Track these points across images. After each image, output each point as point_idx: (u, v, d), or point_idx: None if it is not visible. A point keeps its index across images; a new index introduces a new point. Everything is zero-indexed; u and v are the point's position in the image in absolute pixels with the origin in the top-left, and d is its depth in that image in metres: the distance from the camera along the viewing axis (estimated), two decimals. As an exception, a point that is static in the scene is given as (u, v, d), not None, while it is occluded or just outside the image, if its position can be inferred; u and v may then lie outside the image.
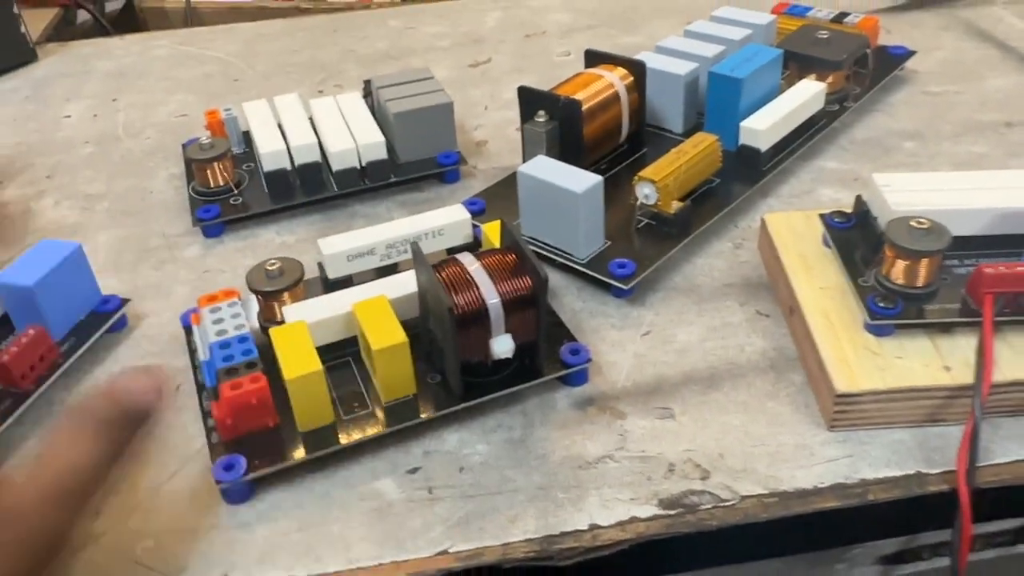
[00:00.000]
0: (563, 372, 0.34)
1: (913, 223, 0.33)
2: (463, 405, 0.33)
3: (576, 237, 0.38)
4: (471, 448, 0.32)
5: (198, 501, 0.31)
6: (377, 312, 0.32)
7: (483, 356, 0.32)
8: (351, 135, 0.46)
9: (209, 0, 1.01)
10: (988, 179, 0.37)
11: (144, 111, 0.57)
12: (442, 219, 0.38)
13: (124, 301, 0.39)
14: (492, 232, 0.36)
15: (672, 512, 0.30)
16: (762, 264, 0.40)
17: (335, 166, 0.45)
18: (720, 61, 0.46)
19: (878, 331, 0.33)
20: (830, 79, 0.49)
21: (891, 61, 0.54)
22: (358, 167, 0.46)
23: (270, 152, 0.45)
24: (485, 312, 0.31)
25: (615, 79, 0.44)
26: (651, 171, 0.39)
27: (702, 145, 0.41)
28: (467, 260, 0.32)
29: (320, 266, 0.38)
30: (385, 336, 0.31)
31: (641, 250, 0.39)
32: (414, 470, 0.32)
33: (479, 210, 0.43)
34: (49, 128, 0.56)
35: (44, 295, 0.35)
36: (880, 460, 0.31)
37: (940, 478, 0.30)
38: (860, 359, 0.32)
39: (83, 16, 0.83)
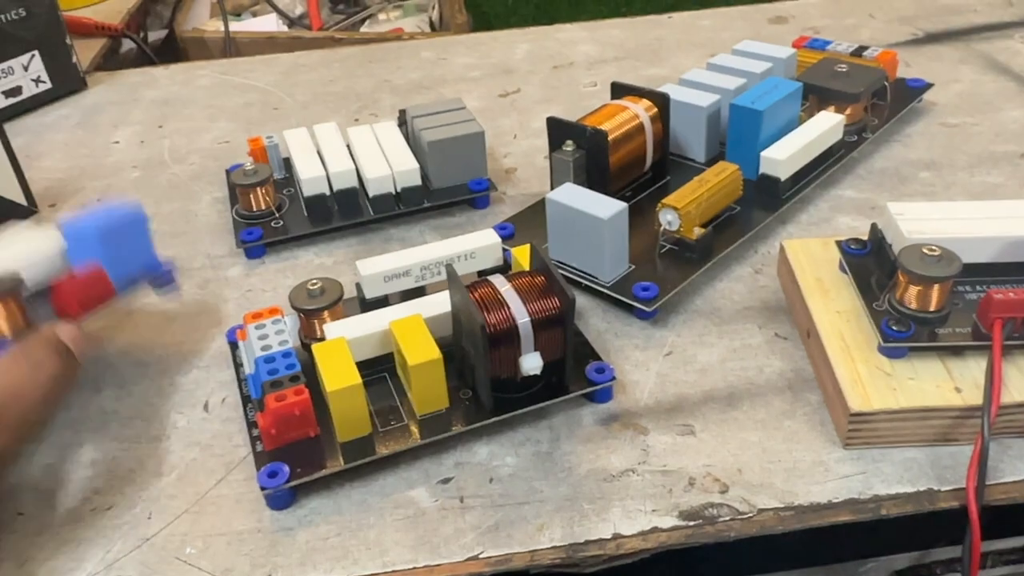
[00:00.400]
0: (589, 389, 0.35)
1: (925, 250, 0.35)
2: (493, 419, 0.34)
3: (601, 261, 0.40)
4: (501, 460, 0.34)
5: (243, 506, 0.33)
6: (413, 330, 0.34)
7: (512, 372, 0.34)
8: (387, 162, 0.48)
9: (247, 30, 1.04)
10: (999, 208, 0.38)
11: (188, 137, 0.59)
12: (474, 243, 0.40)
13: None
14: (522, 255, 0.38)
15: (692, 523, 0.31)
16: (781, 288, 0.42)
17: (371, 191, 0.47)
18: (741, 93, 0.48)
19: (891, 353, 0.34)
20: (849, 111, 0.51)
21: (909, 93, 0.56)
22: (393, 193, 0.48)
23: (310, 178, 0.47)
24: (515, 330, 0.33)
25: (640, 110, 0.46)
26: (674, 198, 0.41)
27: (724, 174, 0.43)
28: (499, 281, 0.34)
29: (358, 286, 0.40)
30: (421, 352, 0.33)
31: (664, 274, 0.41)
32: (446, 480, 0.33)
33: (509, 234, 0.45)
34: (99, 153, 0.58)
35: (106, 241, 0.37)
36: (893, 477, 0.32)
37: (951, 495, 0.32)
38: (874, 380, 0.34)
39: (127, 45, 0.86)
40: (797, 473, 0.33)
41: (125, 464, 0.35)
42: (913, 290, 0.35)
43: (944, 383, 0.33)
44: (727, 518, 0.31)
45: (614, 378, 0.36)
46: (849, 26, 0.69)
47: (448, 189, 0.49)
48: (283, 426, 0.33)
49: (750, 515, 0.31)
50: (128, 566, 0.31)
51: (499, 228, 0.44)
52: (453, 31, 1.09)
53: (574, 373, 0.36)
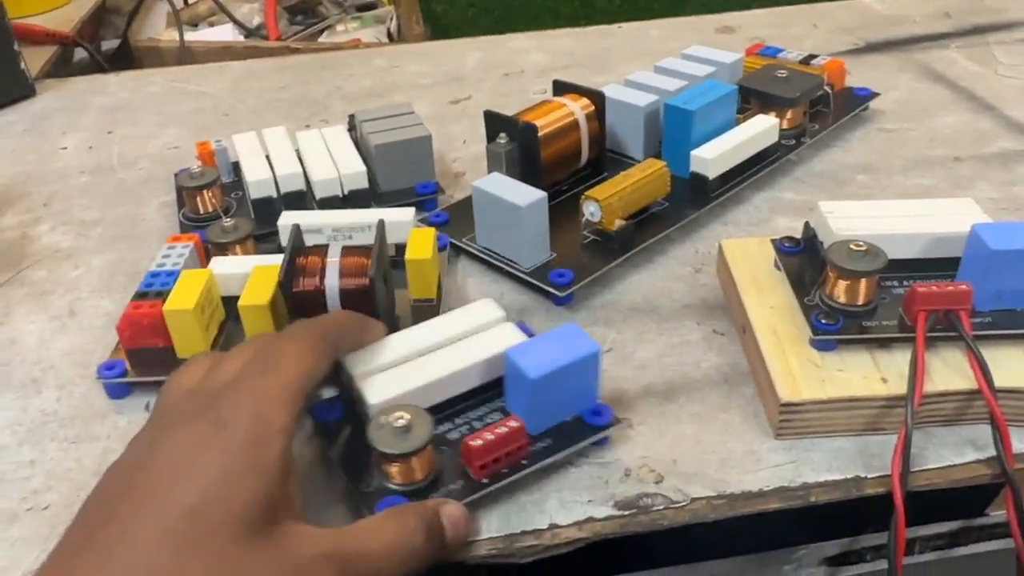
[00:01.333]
0: None
1: (852, 246, 0.36)
2: None
3: (521, 247, 0.41)
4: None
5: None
6: (267, 276, 0.37)
7: None
8: (334, 165, 0.48)
9: (202, 40, 1.04)
10: (925, 207, 0.40)
11: (138, 143, 0.59)
12: (388, 216, 0.41)
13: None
14: (416, 236, 0.40)
15: (626, 512, 0.32)
16: (719, 287, 0.43)
17: (318, 194, 0.48)
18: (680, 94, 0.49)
19: (821, 346, 0.35)
20: (789, 115, 0.52)
21: (855, 101, 0.57)
22: (340, 195, 0.48)
23: (257, 180, 0.47)
24: (322, 295, 0.36)
25: (576, 108, 0.47)
26: (597, 191, 0.43)
27: (650, 170, 0.44)
28: (332, 252, 0.36)
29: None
30: (255, 296, 0.36)
31: (584, 263, 0.42)
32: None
33: (444, 221, 0.46)
34: (46, 159, 0.58)
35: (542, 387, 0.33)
36: (822, 465, 0.33)
37: (876, 482, 0.33)
38: (804, 371, 0.35)
39: (80, 54, 0.86)
40: (730, 463, 0.34)
41: (63, 464, 0.35)
42: (841, 284, 0.36)
43: (871, 374, 0.34)
44: (661, 507, 0.32)
45: None
46: (793, 35, 0.70)
47: (396, 192, 0.49)
48: (135, 331, 0.37)
49: (683, 504, 0.32)
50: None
51: (435, 216, 0.46)
52: (410, 42, 1.10)
53: None
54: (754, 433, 0.35)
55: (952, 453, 0.34)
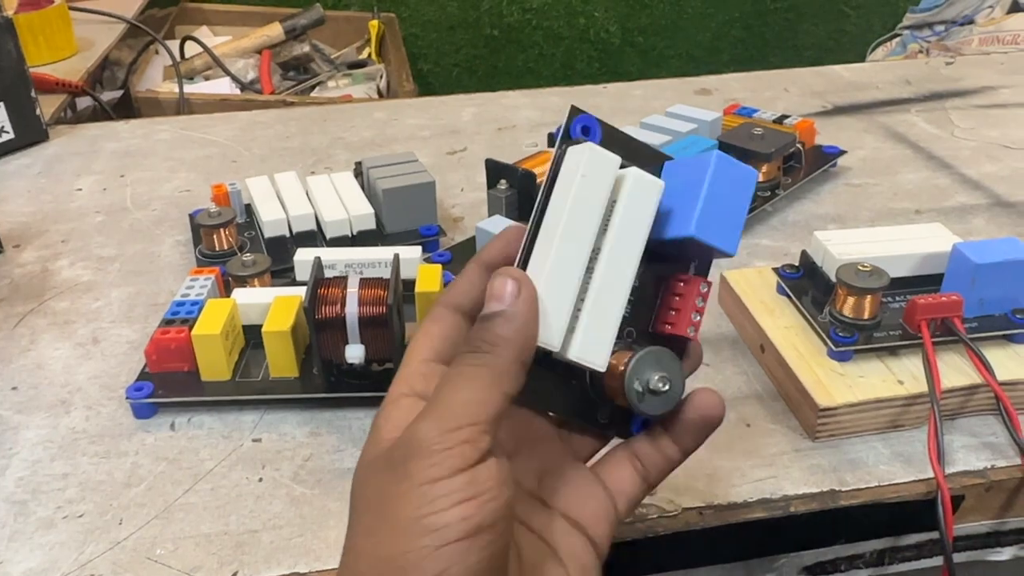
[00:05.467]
0: None
1: (859, 267, 0.40)
2: (324, 395, 0.40)
3: None
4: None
5: (210, 512, 0.35)
6: (287, 306, 0.40)
7: (340, 358, 0.39)
8: (344, 207, 0.52)
9: (200, 92, 1.08)
10: (903, 232, 0.44)
11: (150, 186, 0.62)
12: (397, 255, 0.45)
13: None
14: (424, 271, 0.44)
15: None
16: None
17: (329, 234, 0.51)
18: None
19: (840, 357, 0.40)
20: (764, 169, 0.56)
21: (824, 158, 0.62)
22: (350, 235, 0.51)
23: (271, 220, 0.51)
24: (343, 321, 0.38)
25: (574, 161, 0.51)
26: None
27: None
28: (351, 283, 0.39)
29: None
30: (277, 323, 0.40)
31: None
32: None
33: (447, 260, 0.50)
34: (62, 200, 0.61)
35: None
36: (800, 480, 0.36)
37: (850, 495, 0.36)
38: (831, 380, 0.39)
39: (83, 103, 0.89)
40: (716, 478, 0.37)
41: (95, 477, 0.37)
42: (851, 301, 0.40)
43: (888, 378, 0.39)
44: (655, 516, 0.35)
45: None
46: (767, 98, 0.75)
47: (400, 234, 0.53)
48: (161, 355, 0.40)
49: (675, 513, 0.35)
50: (101, 566, 0.33)
51: (438, 255, 0.50)
52: (401, 98, 1.14)
53: None
54: (738, 453, 0.38)
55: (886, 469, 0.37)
